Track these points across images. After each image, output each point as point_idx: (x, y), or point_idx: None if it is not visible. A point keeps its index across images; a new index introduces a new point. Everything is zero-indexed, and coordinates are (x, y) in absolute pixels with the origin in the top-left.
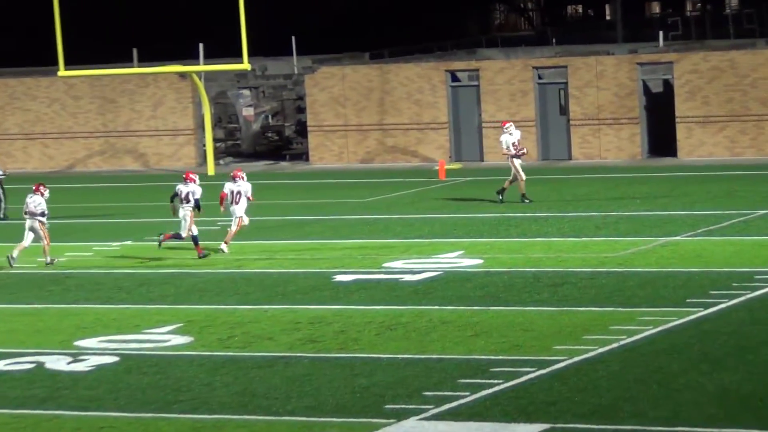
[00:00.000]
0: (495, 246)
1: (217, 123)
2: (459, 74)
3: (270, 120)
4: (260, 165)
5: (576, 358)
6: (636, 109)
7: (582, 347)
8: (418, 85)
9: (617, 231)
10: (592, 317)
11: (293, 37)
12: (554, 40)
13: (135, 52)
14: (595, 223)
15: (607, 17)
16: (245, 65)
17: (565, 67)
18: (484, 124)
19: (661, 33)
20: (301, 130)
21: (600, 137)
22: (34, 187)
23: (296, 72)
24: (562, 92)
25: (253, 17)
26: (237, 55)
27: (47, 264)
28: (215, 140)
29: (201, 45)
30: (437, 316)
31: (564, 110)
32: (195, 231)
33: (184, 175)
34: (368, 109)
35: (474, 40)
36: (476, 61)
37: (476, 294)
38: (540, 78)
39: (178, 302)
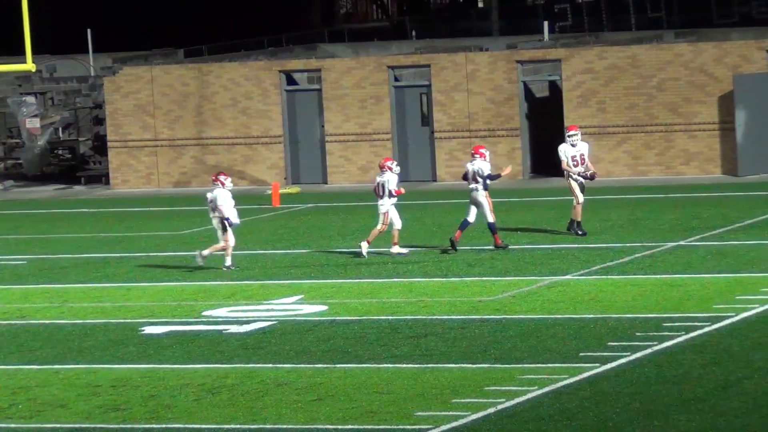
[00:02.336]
0: (342, 289)
1: None
2: (296, 76)
3: (60, 134)
4: (49, 190)
5: (443, 427)
6: (516, 118)
7: (451, 413)
8: (245, 90)
9: (493, 269)
10: (463, 376)
11: (89, 30)
12: (414, 33)
13: None
14: (466, 260)
15: (480, 4)
16: (29, 65)
17: (428, 66)
18: (327, 138)
19: (546, 24)
20: (100, 146)
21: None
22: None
23: (93, 74)
24: (424, 98)
25: (39, 6)
26: (18, 54)
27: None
28: None
29: None
30: (271, 376)
31: (427, 120)
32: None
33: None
34: (183, 119)
35: (315, 33)
36: (317, 60)
37: (319, 348)
38: (397, 80)
39: None
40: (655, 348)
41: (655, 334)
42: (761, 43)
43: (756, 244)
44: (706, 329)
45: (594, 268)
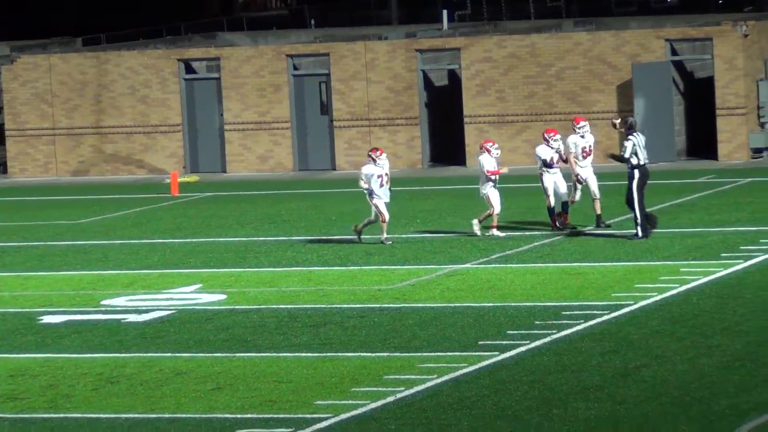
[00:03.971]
0: (241, 278)
1: None
2: (195, 64)
3: None
4: None
5: (343, 416)
6: (415, 107)
7: (350, 402)
8: (143, 78)
9: (393, 258)
10: (363, 365)
11: None
12: (313, 22)
13: None
14: (365, 249)
15: None
16: None
17: (327, 54)
18: (226, 127)
19: (445, 12)
20: None
21: (371, 142)
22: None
23: None
24: (323, 86)
25: None
26: None
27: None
28: None
29: None
30: (170, 365)
31: (326, 109)
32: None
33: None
34: (81, 108)
35: (214, 22)
36: (216, 48)
37: (218, 337)
38: (296, 69)
39: None
40: (554, 336)
41: (554, 322)
42: (659, 32)
43: (654, 232)
44: (605, 317)
45: (493, 257)
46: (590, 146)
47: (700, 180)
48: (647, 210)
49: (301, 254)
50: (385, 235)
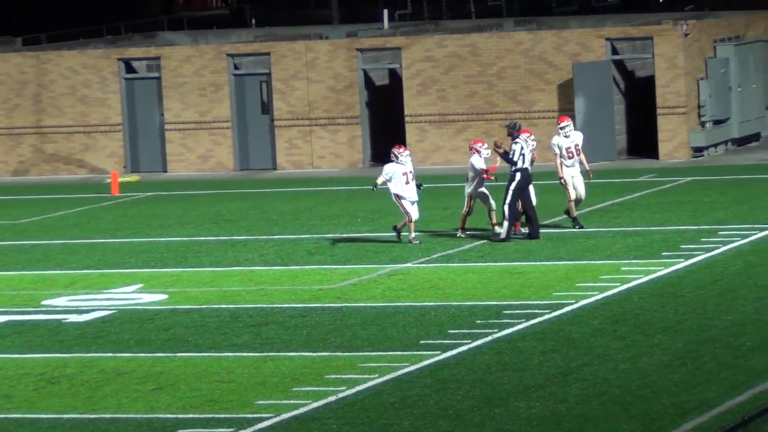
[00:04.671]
0: (182, 278)
1: None
2: (135, 64)
3: None
4: None
5: (284, 416)
6: (356, 106)
7: (292, 401)
8: (83, 78)
9: (334, 257)
10: (304, 364)
11: None
12: (254, 21)
13: None
14: (307, 248)
15: None
16: None
17: (268, 54)
18: (167, 126)
19: (385, 12)
20: None
21: (312, 141)
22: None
23: None
24: (264, 86)
25: None
26: None
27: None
28: None
29: None
30: (111, 365)
31: (267, 108)
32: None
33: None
34: (21, 108)
35: (154, 21)
36: (156, 48)
37: (159, 337)
38: (237, 68)
39: None
40: (496, 335)
41: (496, 321)
42: (600, 31)
43: (595, 231)
44: (546, 316)
45: (434, 256)
46: (576, 146)
47: (641, 179)
48: (536, 215)
49: (242, 254)
50: (412, 234)
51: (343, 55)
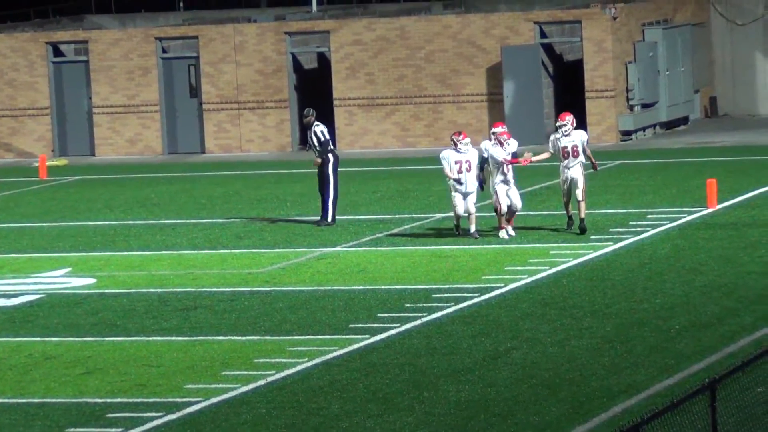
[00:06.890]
0: (110, 262)
1: None
2: (63, 47)
3: None
4: None
5: (213, 400)
6: (285, 90)
7: (221, 386)
8: (11, 62)
9: (263, 241)
10: (233, 348)
11: None
12: (182, 5)
13: None
14: (235, 232)
15: None
16: None
17: (196, 37)
18: (95, 110)
19: None
20: None
21: (240, 125)
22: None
23: None
24: (192, 69)
25: None
26: None
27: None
28: None
29: None
30: (39, 349)
31: (195, 92)
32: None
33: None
34: None
35: (81, 4)
36: (84, 31)
37: (88, 321)
38: (165, 52)
39: None
40: (425, 319)
41: (424, 305)
42: (528, 14)
43: (524, 215)
44: (475, 300)
45: (363, 240)
46: (574, 146)
47: None
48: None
49: (170, 238)
50: (472, 228)
51: (271, 39)
